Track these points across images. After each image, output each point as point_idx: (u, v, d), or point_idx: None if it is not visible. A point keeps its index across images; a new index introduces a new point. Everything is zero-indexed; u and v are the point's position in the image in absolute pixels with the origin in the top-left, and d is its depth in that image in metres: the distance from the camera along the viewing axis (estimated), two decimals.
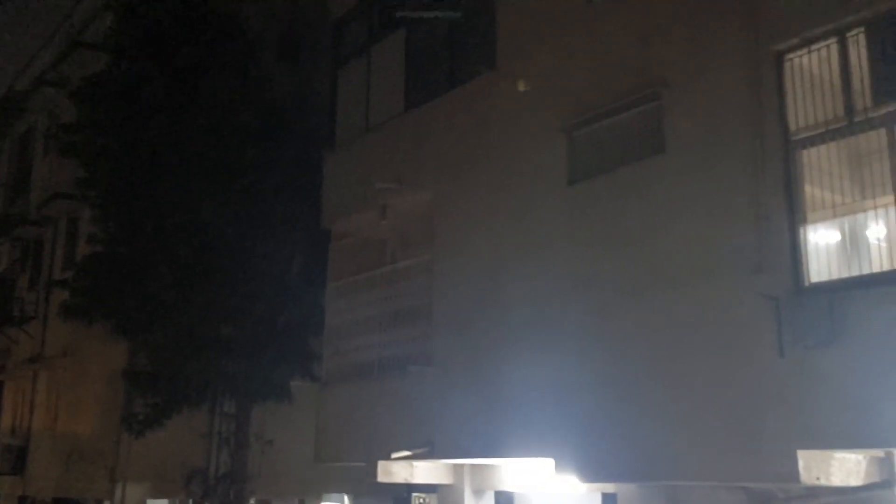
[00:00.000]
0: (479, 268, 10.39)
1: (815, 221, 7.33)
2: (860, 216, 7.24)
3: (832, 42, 7.23)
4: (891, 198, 6.82)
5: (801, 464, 6.84)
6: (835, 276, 7.05)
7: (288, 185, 15.12)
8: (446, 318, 10.70)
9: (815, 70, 7.38)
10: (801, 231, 7.24)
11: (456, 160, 11.03)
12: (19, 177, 26.22)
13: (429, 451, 10.53)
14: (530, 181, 9.85)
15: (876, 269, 6.87)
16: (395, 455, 10.61)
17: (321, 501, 21.82)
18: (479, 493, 12.04)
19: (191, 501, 18.18)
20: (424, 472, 11.86)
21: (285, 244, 15.47)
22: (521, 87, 8.62)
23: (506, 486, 12.01)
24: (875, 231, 7.19)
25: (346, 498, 23.91)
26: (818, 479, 7.00)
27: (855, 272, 7.01)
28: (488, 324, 10.05)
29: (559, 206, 9.41)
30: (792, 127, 7.39)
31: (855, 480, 7.26)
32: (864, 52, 7.05)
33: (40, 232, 23.56)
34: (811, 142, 7.32)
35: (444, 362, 10.54)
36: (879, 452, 7.16)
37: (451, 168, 11.07)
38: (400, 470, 11.62)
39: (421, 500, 36.20)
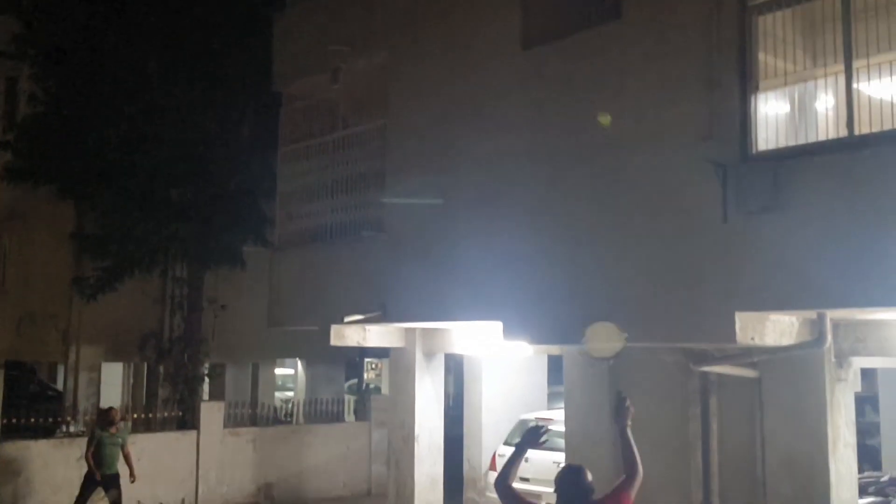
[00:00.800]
0: (432, 134, 10.32)
1: (766, 90, 7.37)
2: (810, 85, 7.30)
3: None
4: (841, 66, 6.86)
5: (737, 325, 7.13)
6: (781, 144, 7.16)
7: (237, 46, 14.66)
8: (398, 184, 10.69)
9: None
10: (752, 99, 7.29)
11: (410, 23, 10.75)
12: None
13: (380, 315, 10.72)
14: (484, 45, 9.68)
15: (822, 137, 6.99)
16: (347, 319, 10.80)
17: (275, 366, 22.32)
18: (429, 355, 12.40)
19: (145, 364, 18.46)
20: (377, 335, 12.14)
21: (235, 107, 15.16)
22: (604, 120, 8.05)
23: (456, 349, 12.38)
24: (823, 101, 7.27)
25: (299, 362, 24.48)
26: (753, 339, 7.33)
27: (801, 140, 7.12)
28: (441, 189, 10.08)
29: (513, 71, 9.30)
30: None
31: (787, 340, 7.62)
32: None
33: None
34: (767, 8, 7.28)
35: (396, 228, 10.60)
36: (812, 314, 7.49)
37: (406, 31, 10.80)
38: (352, 334, 11.87)
39: (373, 366, 37.30)
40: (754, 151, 7.18)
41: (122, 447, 11.54)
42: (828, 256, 6.64)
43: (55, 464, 12.21)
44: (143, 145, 14.50)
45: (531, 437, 4.95)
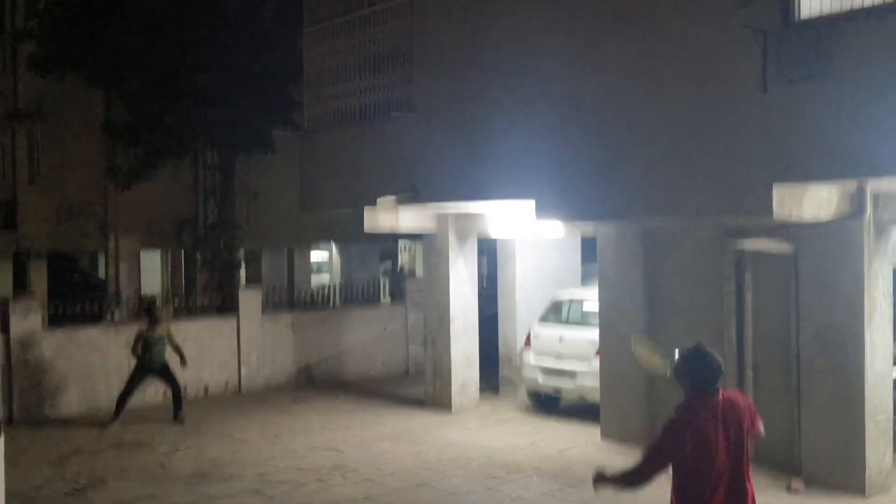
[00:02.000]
0: (460, 8, 10.01)
1: None
2: None
3: None
4: None
5: (775, 198, 7.00)
6: (825, 10, 6.82)
7: None
8: (427, 62, 10.47)
9: None
10: None
11: None
12: None
13: (413, 195, 10.70)
14: None
15: (867, 3, 6.65)
16: (380, 200, 10.80)
17: (309, 250, 22.59)
18: (462, 239, 12.43)
19: (182, 251, 18.77)
20: (409, 220, 12.15)
21: None
22: None
23: (489, 234, 12.39)
24: None
25: (333, 246, 24.75)
26: (791, 213, 7.20)
27: (847, 6, 6.77)
28: (470, 66, 9.86)
29: None
30: None
31: (825, 214, 7.49)
32: None
33: None
34: None
35: (426, 107, 10.45)
36: (852, 185, 7.33)
37: None
38: (385, 219, 11.88)
39: (406, 247, 37.62)
40: (797, 17, 6.85)
41: (170, 340, 11.74)
42: (871, 125, 6.42)
43: (105, 348, 12.60)
44: (166, 29, 14.25)
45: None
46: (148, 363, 11.60)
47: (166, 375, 11.79)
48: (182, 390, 11.95)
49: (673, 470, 4.47)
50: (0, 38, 22.27)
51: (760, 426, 4.61)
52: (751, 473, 4.52)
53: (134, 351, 11.58)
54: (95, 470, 9.42)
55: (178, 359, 11.80)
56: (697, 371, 4.48)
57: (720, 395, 4.48)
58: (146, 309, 12.15)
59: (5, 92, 22.05)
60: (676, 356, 4.66)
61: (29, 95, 20.64)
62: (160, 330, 11.66)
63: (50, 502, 8.30)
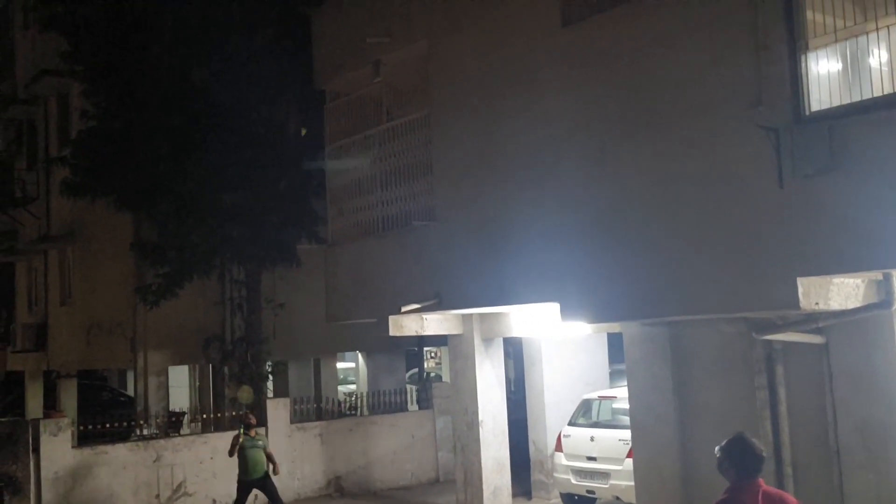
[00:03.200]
0: (477, 118, 10.31)
1: (816, 48, 7.19)
2: (861, 40, 7.09)
3: None
4: (893, 18, 6.67)
5: (800, 290, 7.00)
6: (835, 103, 6.98)
7: (277, 46, 14.80)
8: (446, 172, 10.72)
9: None
10: (802, 59, 7.12)
11: (449, 9, 10.73)
12: (1, 54, 25.66)
13: (437, 303, 10.77)
14: (524, 25, 9.62)
15: (877, 93, 6.80)
16: (404, 308, 10.87)
17: (336, 360, 22.57)
18: (488, 340, 12.44)
19: (210, 366, 18.81)
20: (434, 323, 12.21)
21: (280, 107, 15.32)
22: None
23: (514, 333, 12.38)
24: (877, 55, 7.06)
25: (359, 355, 24.71)
26: (817, 304, 7.19)
27: (856, 98, 6.94)
28: (488, 174, 10.08)
29: (554, 50, 9.23)
30: None
31: (853, 303, 7.46)
32: None
33: (31, 111, 23.28)
34: None
35: (447, 215, 10.63)
36: (878, 275, 7.32)
37: (444, 17, 10.80)
38: (411, 323, 11.95)
39: (432, 355, 37.39)
40: (807, 112, 7.01)
41: (265, 449, 11.80)
42: (890, 214, 6.47)
43: (132, 466, 12.55)
44: (193, 153, 14.74)
45: None
46: (248, 474, 11.61)
47: (268, 488, 11.81)
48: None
49: None
50: (34, 166, 23.09)
51: None
52: None
53: (230, 452, 11.63)
54: None
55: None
56: (740, 459, 4.56)
57: (762, 484, 4.52)
58: (243, 416, 12.23)
59: (39, 216, 22.70)
60: (717, 452, 4.69)
61: (61, 219, 21.23)
62: (254, 434, 11.70)
63: None
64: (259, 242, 15.71)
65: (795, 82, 7.09)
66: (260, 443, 11.73)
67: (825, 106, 7.00)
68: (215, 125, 14.86)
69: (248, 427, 11.67)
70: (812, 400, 8.52)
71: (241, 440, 11.58)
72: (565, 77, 9.10)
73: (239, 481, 11.66)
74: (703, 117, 7.73)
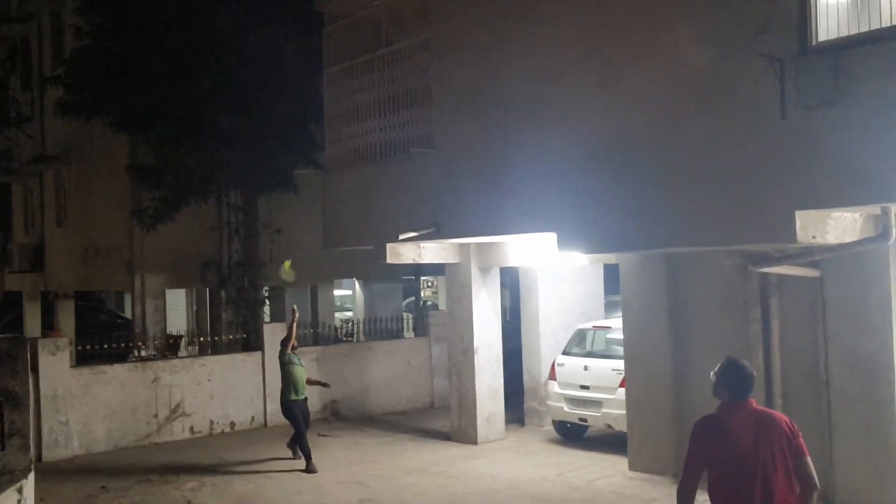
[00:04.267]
0: (477, 45, 10.14)
1: None
2: None
3: None
4: None
5: (798, 224, 6.99)
6: (843, 33, 6.86)
7: None
8: (445, 99, 10.59)
9: None
10: None
11: None
12: None
13: (434, 231, 10.76)
14: None
15: (885, 23, 6.67)
16: (401, 236, 10.87)
17: (333, 287, 22.68)
18: (485, 270, 12.48)
19: (207, 290, 18.91)
20: (432, 252, 12.22)
21: (279, 30, 15.04)
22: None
23: (511, 263, 12.42)
24: None
25: (356, 283, 24.82)
26: (814, 237, 7.19)
27: (864, 28, 6.81)
28: (488, 102, 9.96)
29: None
30: None
31: (850, 237, 7.47)
32: None
33: (25, 29, 22.89)
34: None
35: (446, 143, 10.55)
36: (876, 209, 7.30)
37: None
38: (408, 251, 11.97)
39: (429, 284, 37.54)
40: (814, 42, 6.89)
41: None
42: (892, 148, 6.41)
43: (131, 386, 12.70)
44: (190, 75, 14.53)
45: None
46: (296, 392, 10.85)
47: (305, 414, 11.02)
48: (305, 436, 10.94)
49: (707, 470, 4.64)
50: (29, 85, 22.80)
51: (805, 448, 4.65)
52: (787, 490, 4.52)
53: (288, 336, 11.03)
54: None
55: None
56: (730, 380, 4.70)
57: (753, 405, 4.67)
58: (285, 338, 11.28)
59: (33, 136, 22.51)
60: (712, 377, 4.83)
61: (56, 140, 21.05)
62: (298, 353, 11.11)
63: None
64: (257, 167, 15.62)
65: (803, 11, 6.96)
66: (303, 361, 11.14)
67: (832, 36, 6.89)
68: (213, 47, 14.62)
69: (286, 341, 11.02)
70: (804, 333, 8.61)
71: (288, 358, 10.93)
72: (568, 3, 8.91)
73: (288, 401, 10.83)
74: (707, 46, 7.59)
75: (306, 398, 11.14)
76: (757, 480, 4.47)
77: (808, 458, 4.62)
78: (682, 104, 7.85)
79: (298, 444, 10.91)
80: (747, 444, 4.52)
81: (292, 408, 10.90)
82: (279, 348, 11.34)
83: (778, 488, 4.49)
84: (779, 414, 4.81)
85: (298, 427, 10.86)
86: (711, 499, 4.66)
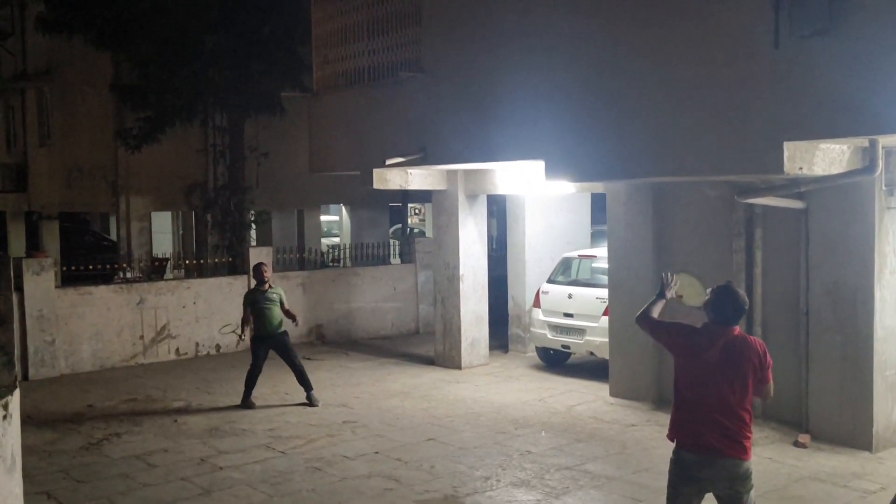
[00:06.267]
0: None
1: None
2: None
3: None
4: None
5: (786, 154, 6.96)
6: None
7: None
8: (435, 22, 10.40)
9: None
10: None
11: None
12: None
13: (422, 157, 10.69)
14: None
15: None
16: (388, 161, 10.79)
17: (320, 212, 22.63)
18: (472, 196, 12.45)
19: (193, 213, 18.84)
20: (419, 178, 12.16)
21: None
22: None
23: (498, 190, 12.39)
24: None
25: (343, 209, 24.77)
26: (801, 168, 7.18)
27: None
28: (478, 26, 9.79)
29: None
30: None
31: (837, 169, 7.46)
32: None
33: None
34: None
35: (435, 68, 10.39)
36: (864, 141, 7.29)
37: None
38: (395, 177, 11.90)
39: (416, 211, 37.48)
40: None
41: (281, 304, 10.32)
42: (884, 81, 6.36)
43: (117, 307, 12.73)
44: None
45: (662, 288, 5.21)
46: (263, 328, 10.24)
47: (284, 351, 10.36)
48: (303, 367, 10.51)
49: (674, 383, 4.92)
50: (8, 0, 22.22)
51: (770, 378, 4.82)
52: (746, 407, 4.75)
53: (245, 320, 10.33)
54: (110, 425, 9.57)
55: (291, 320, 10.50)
56: (722, 305, 4.83)
57: (736, 331, 4.82)
58: (255, 269, 10.61)
59: (14, 53, 22.05)
60: (708, 293, 4.98)
61: (38, 57, 20.64)
62: (267, 287, 10.34)
63: (65, 456, 8.45)
64: (243, 89, 15.41)
65: None
66: (275, 295, 10.31)
67: None
68: None
69: (260, 281, 10.33)
70: (787, 263, 8.68)
71: (252, 297, 10.33)
72: None
73: (253, 338, 10.40)
74: None
75: (283, 332, 10.40)
76: (716, 394, 4.72)
77: (771, 385, 4.85)
78: (673, 31, 7.73)
79: (246, 377, 10.40)
80: (713, 364, 4.73)
81: (255, 345, 10.40)
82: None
83: (733, 401, 4.72)
84: (759, 343, 4.89)
85: (254, 362, 10.35)
86: (676, 407, 4.91)
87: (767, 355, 4.80)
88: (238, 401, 10.44)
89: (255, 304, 10.28)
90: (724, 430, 4.67)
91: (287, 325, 10.52)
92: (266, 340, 10.33)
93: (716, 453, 4.67)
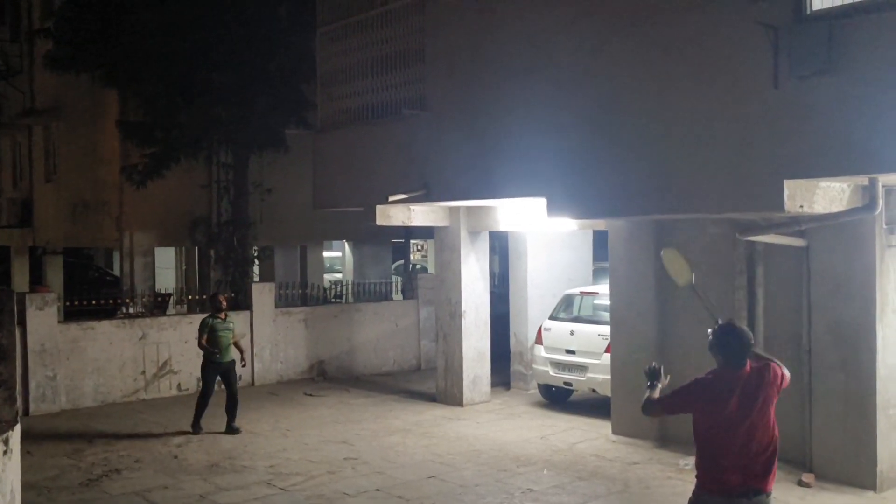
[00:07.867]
0: (471, 6, 10.07)
1: None
2: None
3: None
4: None
5: (786, 192, 7.02)
6: (837, 2, 6.82)
7: None
8: (438, 61, 10.53)
9: None
10: None
11: None
12: None
13: (425, 193, 10.76)
14: None
15: None
16: (391, 198, 10.85)
17: (322, 248, 22.67)
18: (474, 233, 12.50)
19: (196, 248, 18.88)
20: (421, 214, 12.23)
21: None
22: None
23: (500, 227, 12.44)
24: None
25: (346, 245, 24.82)
26: (802, 206, 7.22)
27: None
28: (481, 64, 9.91)
29: None
30: None
31: (837, 207, 7.50)
32: None
33: None
34: None
35: (438, 105, 10.50)
36: (864, 179, 7.33)
37: None
38: (398, 213, 11.96)
39: (418, 248, 37.66)
40: (809, 11, 6.86)
41: (233, 333, 10.95)
42: (883, 120, 6.43)
43: (119, 342, 12.72)
44: (182, 30, 14.38)
45: (653, 375, 5.12)
46: (217, 358, 10.71)
47: (230, 377, 10.87)
48: (238, 399, 10.96)
49: (693, 429, 4.77)
50: (17, 38, 22.51)
51: (787, 375, 4.81)
52: (774, 433, 4.69)
53: (200, 344, 10.76)
54: (110, 461, 9.53)
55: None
56: (727, 345, 4.75)
57: (747, 368, 4.72)
58: (212, 298, 11.29)
59: (22, 91, 22.27)
60: (710, 334, 4.88)
61: (45, 94, 20.84)
62: (224, 317, 10.91)
63: (65, 493, 8.40)
64: (248, 125, 15.51)
65: None
66: (231, 324, 10.95)
67: (827, 5, 6.85)
68: (206, 2, 14.45)
69: (218, 309, 10.89)
70: (790, 301, 8.68)
71: (210, 322, 10.76)
72: None
73: (205, 364, 10.86)
74: (702, 12, 7.57)
75: (233, 360, 10.87)
76: (739, 438, 4.61)
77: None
78: (675, 69, 7.84)
79: (198, 402, 10.93)
80: (735, 412, 4.64)
81: (209, 368, 10.89)
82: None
83: (758, 435, 4.63)
84: (772, 363, 4.85)
85: (205, 388, 10.92)
86: (698, 452, 4.79)
87: (783, 368, 4.81)
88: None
89: (213, 330, 10.76)
90: (749, 470, 4.61)
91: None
92: (218, 366, 10.84)
93: (741, 494, 4.60)
